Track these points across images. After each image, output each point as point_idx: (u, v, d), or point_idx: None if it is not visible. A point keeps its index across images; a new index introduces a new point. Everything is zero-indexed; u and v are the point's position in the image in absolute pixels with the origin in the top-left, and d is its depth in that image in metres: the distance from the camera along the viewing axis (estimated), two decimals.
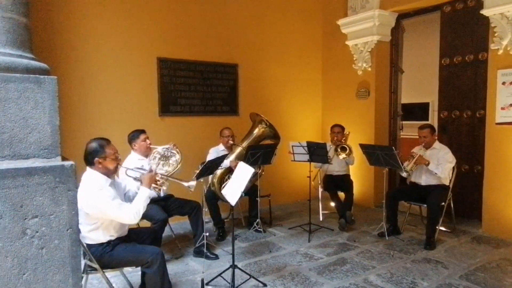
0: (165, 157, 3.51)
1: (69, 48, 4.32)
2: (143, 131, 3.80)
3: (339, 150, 4.79)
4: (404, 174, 4.27)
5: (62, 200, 1.86)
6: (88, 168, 2.64)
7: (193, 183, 3.04)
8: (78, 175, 2.00)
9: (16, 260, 1.76)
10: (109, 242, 2.64)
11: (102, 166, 2.60)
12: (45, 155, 1.87)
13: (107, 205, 2.50)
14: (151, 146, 3.74)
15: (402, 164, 4.16)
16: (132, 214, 2.56)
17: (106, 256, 2.61)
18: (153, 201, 3.66)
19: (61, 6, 4.25)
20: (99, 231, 2.61)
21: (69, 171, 1.87)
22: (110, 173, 2.68)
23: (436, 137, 4.42)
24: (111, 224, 2.63)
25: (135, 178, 2.97)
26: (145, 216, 3.54)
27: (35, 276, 1.81)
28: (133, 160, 3.66)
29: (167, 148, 3.56)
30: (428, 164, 4.18)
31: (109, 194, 2.54)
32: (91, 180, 2.58)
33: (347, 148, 4.80)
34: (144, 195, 2.68)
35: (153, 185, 2.83)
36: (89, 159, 2.59)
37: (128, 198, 2.90)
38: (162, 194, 3.60)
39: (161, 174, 2.97)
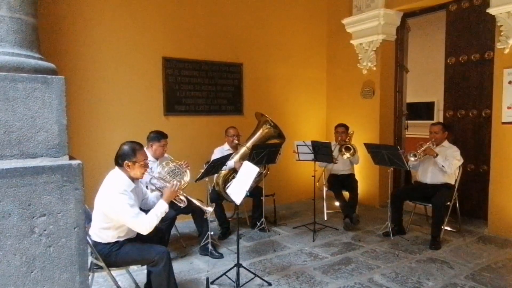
0: (174, 173, 3.48)
1: (76, 48, 4.35)
2: (165, 136, 3.81)
3: (343, 150, 4.79)
4: (411, 159, 4.16)
5: (70, 198, 1.88)
6: (116, 168, 2.68)
7: (210, 209, 3.00)
8: (85, 174, 2.02)
9: (25, 258, 1.78)
10: (116, 241, 2.66)
11: (130, 170, 2.64)
12: (53, 154, 1.89)
13: (124, 211, 2.52)
14: (165, 154, 3.75)
15: (409, 154, 4.14)
16: (145, 226, 2.57)
17: (113, 254, 2.63)
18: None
19: (68, 7, 4.27)
20: (110, 231, 2.63)
21: (77, 170, 1.89)
22: (136, 178, 2.72)
23: (446, 136, 4.39)
24: (123, 227, 2.64)
25: (157, 188, 3.00)
26: None
27: (43, 274, 1.83)
28: (161, 172, 3.66)
29: (179, 165, 3.54)
30: (436, 156, 4.15)
31: (128, 201, 2.56)
32: (116, 181, 2.62)
33: (351, 148, 4.79)
34: (161, 209, 2.68)
35: (173, 200, 2.84)
36: (120, 160, 2.64)
37: (145, 204, 2.93)
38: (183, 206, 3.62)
39: (182, 193, 2.94)
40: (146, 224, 2.57)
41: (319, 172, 4.81)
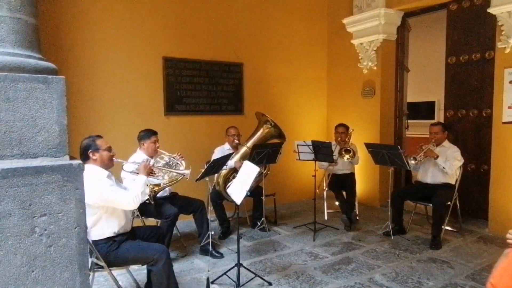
0: (169, 165, 3.55)
1: (76, 48, 4.35)
2: (155, 133, 3.82)
3: (343, 152, 4.80)
4: (412, 162, 4.18)
5: (70, 198, 1.88)
6: (86, 166, 2.66)
7: (187, 171, 3.13)
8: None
9: (25, 258, 1.78)
10: (114, 239, 2.66)
11: (97, 158, 2.69)
12: (53, 154, 1.89)
13: (107, 191, 2.59)
14: (158, 149, 3.77)
15: (409, 158, 4.14)
16: (131, 198, 2.64)
17: (112, 254, 2.63)
18: (160, 199, 3.71)
19: (68, 7, 4.28)
20: (102, 224, 2.64)
21: (77, 170, 1.89)
22: (107, 165, 2.75)
23: (446, 136, 4.38)
24: (112, 215, 2.67)
25: (131, 172, 3.08)
26: (156, 214, 3.59)
27: (44, 274, 1.83)
28: (139, 159, 3.68)
29: (173, 157, 3.61)
30: (436, 158, 4.15)
31: (108, 182, 2.64)
32: (89, 174, 2.63)
33: (351, 151, 4.81)
34: (141, 181, 2.79)
35: (151, 176, 2.96)
36: (84, 154, 2.68)
37: None
38: (168, 193, 3.64)
39: (156, 166, 3.04)
40: (131, 197, 2.65)
41: (320, 173, 4.82)
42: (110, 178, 2.75)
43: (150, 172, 2.98)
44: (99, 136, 2.79)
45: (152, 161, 3.50)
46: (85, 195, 2.50)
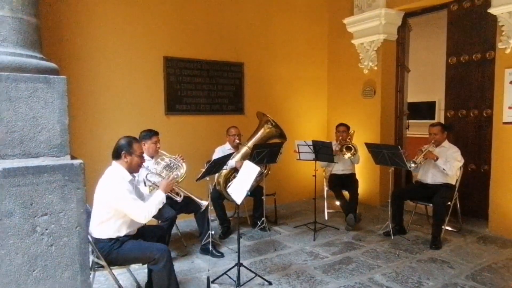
0: (169, 167, 3.55)
1: (77, 48, 4.36)
2: (156, 133, 3.82)
3: (344, 149, 4.79)
4: (412, 166, 4.19)
5: (71, 198, 1.89)
6: (113, 162, 2.75)
7: (205, 202, 3.07)
8: (86, 174, 2.03)
9: (26, 257, 1.79)
10: (117, 238, 2.67)
11: (127, 161, 2.71)
12: (55, 154, 1.90)
13: (124, 197, 2.58)
14: (159, 150, 3.78)
15: (408, 162, 4.15)
16: (144, 213, 2.62)
17: (114, 252, 2.64)
18: None
19: (70, 7, 4.28)
20: (111, 223, 2.63)
21: (78, 169, 1.90)
22: (133, 170, 2.79)
23: (446, 136, 4.39)
24: (123, 217, 2.67)
25: (153, 183, 3.05)
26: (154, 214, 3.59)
27: (45, 273, 1.84)
28: (151, 166, 3.69)
29: (174, 159, 3.60)
30: (436, 159, 4.16)
31: (128, 187, 2.64)
32: (114, 172, 2.70)
33: (352, 148, 4.80)
34: (158, 198, 2.75)
35: (169, 193, 2.91)
36: (118, 152, 2.72)
37: None
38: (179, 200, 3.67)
39: (178, 187, 3.00)
40: (144, 212, 2.62)
41: (320, 171, 4.82)
42: (132, 183, 2.76)
43: (171, 190, 2.94)
44: (136, 140, 2.82)
45: (152, 163, 3.49)
46: (103, 191, 2.57)
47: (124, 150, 2.70)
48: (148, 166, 3.48)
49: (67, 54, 4.26)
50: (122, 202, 2.58)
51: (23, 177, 1.77)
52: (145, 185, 3.17)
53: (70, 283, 1.92)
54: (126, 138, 2.77)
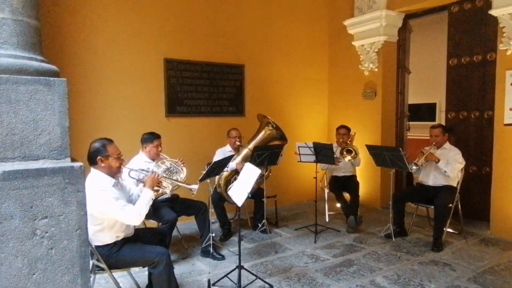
0: (169, 171, 3.52)
1: (78, 50, 4.36)
2: (158, 137, 3.81)
3: (344, 152, 4.79)
4: (413, 168, 4.18)
5: (71, 201, 1.88)
6: (92, 169, 2.63)
7: (195, 186, 3.03)
8: (87, 177, 2.02)
9: (26, 260, 1.78)
10: (115, 242, 2.66)
11: (105, 165, 2.59)
12: (55, 156, 1.89)
13: (110, 206, 2.51)
14: (161, 153, 3.77)
15: (410, 164, 4.13)
16: (135, 216, 2.57)
17: (113, 256, 2.63)
18: (160, 202, 3.70)
19: (70, 9, 4.29)
20: (105, 232, 2.62)
21: (78, 172, 1.89)
22: (114, 173, 2.68)
23: (447, 138, 4.38)
24: (115, 225, 2.63)
25: (138, 179, 2.98)
26: (154, 217, 3.58)
27: (45, 276, 1.83)
28: (140, 161, 3.68)
29: (175, 163, 3.59)
30: (438, 162, 4.15)
31: (112, 195, 2.55)
32: (95, 181, 2.58)
33: (353, 151, 4.79)
34: (146, 197, 2.69)
35: (156, 187, 2.84)
36: (92, 158, 2.59)
37: (131, 201, 2.89)
38: (169, 195, 3.62)
39: (164, 177, 2.96)
40: (135, 214, 2.57)
41: (321, 173, 4.81)
42: (116, 186, 2.69)
43: (157, 184, 2.85)
44: (110, 141, 2.65)
45: (153, 166, 3.48)
46: (88, 203, 2.51)
47: (99, 155, 2.56)
48: (149, 168, 3.45)
49: (67, 57, 4.26)
50: (110, 212, 2.51)
51: (23, 180, 1.76)
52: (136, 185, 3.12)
53: (70, 286, 1.90)
54: (99, 141, 2.61)
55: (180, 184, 2.99)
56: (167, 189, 2.91)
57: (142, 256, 2.65)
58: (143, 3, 4.74)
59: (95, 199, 2.49)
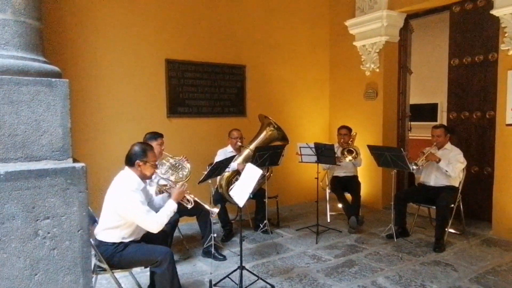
0: (175, 167, 3.57)
1: (80, 51, 4.37)
2: (161, 136, 3.83)
3: (345, 153, 4.79)
4: (414, 168, 4.17)
5: (73, 201, 1.89)
6: (126, 168, 2.73)
7: (216, 210, 3.06)
8: (89, 177, 2.02)
9: (28, 261, 1.79)
10: (121, 242, 2.67)
11: (141, 169, 2.70)
12: (57, 157, 1.90)
13: (136, 208, 2.57)
14: (163, 152, 3.78)
15: (410, 164, 4.13)
16: (156, 224, 2.62)
17: (117, 255, 2.63)
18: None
19: (72, 10, 4.30)
20: (118, 230, 2.64)
21: (80, 172, 1.90)
22: (145, 178, 2.78)
23: (449, 138, 4.37)
24: (131, 226, 2.67)
25: (164, 186, 3.05)
26: None
27: (47, 277, 1.84)
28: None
29: (179, 160, 3.62)
30: (439, 161, 4.14)
31: (140, 198, 2.62)
32: (127, 179, 2.68)
33: (354, 151, 4.79)
34: (170, 208, 2.74)
35: (182, 201, 2.90)
36: (131, 159, 2.70)
37: (150, 206, 2.93)
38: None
39: (189, 194, 2.99)
40: (157, 222, 2.62)
41: (322, 174, 4.81)
42: (144, 191, 2.76)
43: (182, 198, 2.89)
44: (151, 148, 2.81)
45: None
46: (115, 200, 2.55)
47: (139, 158, 2.68)
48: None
49: (69, 58, 4.27)
50: (134, 213, 2.57)
51: (25, 181, 1.76)
52: (156, 192, 3.16)
53: (72, 286, 1.91)
54: (140, 146, 2.75)
55: (201, 203, 3.00)
56: (189, 205, 2.93)
57: (146, 256, 2.66)
58: (144, 4, 4.74)
59: (124, 198, 2.57)
